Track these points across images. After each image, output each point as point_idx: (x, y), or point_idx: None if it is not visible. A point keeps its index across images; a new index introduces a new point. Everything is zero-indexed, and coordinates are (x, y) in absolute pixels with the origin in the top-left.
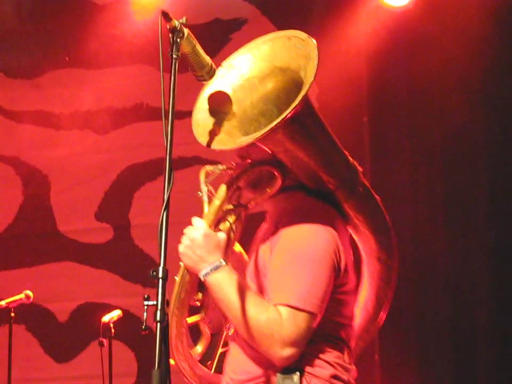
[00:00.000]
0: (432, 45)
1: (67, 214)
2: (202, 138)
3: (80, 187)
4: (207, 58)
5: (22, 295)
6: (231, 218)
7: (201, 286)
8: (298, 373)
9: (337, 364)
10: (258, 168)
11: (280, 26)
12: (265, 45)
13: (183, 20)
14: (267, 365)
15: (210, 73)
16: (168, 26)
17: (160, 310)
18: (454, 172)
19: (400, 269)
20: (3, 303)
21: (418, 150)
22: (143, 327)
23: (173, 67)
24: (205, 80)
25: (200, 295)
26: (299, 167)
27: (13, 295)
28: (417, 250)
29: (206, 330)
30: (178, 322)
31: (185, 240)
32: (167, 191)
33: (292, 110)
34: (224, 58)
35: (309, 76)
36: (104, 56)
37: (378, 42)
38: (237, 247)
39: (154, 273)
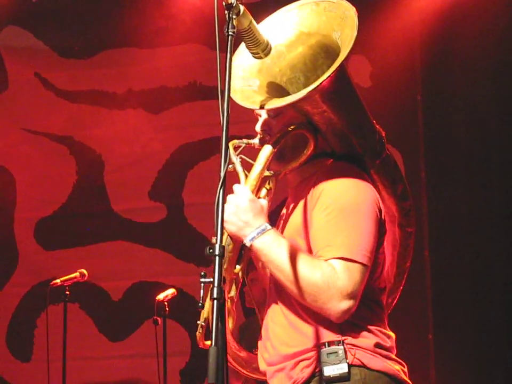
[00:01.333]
0: (487, 24)
1: (121, 193)
2: (244, 102)
3: (133, 166)
4: (263, 36)
5: (76, 274)
6: (268, 185)
7: (239, 258)
8: (342, 347)
9: (379, 330)
10: (295, 132)
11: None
12: (290, 13)
13: None
14: (311, 339)
15: (266, 51)
16: (224, 3)
17: (217, 287)
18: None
19: (456, 264)
20: (58, 281)
21: (473, 127)
22: (200, 304)
23: (229, 44)
24: (261, 57)
25: (238, 268)
26: (331, 129)
27: (68, 274)
28: (475, 244)
29: (233, 308)
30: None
31: (230, 207)
32: (224, 168)
33: (336, 68)
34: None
35: (348, 35)
36: (157, 35)
37: (432, 20)
38: None
39: (211, 250)
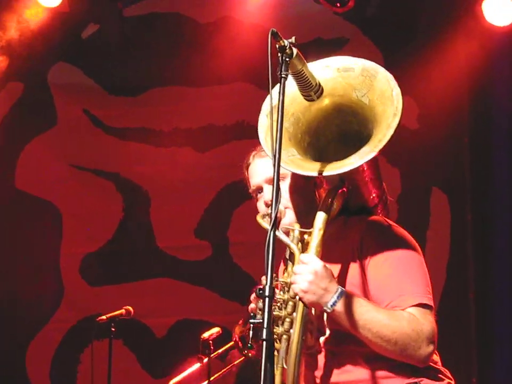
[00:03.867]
0: None
1: (166, 231)
2: (306, 171)
3: (179, 204)
4: (315, 78)
5: (122, 310)
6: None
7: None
8: None
9: (444, 371)
10: (340, 191)
11: (381, 47)
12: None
13: (292, 39)
14: None
15: (318, 93)
16: (277, 46)
17: (266, 328)
18: None
19: (501, 307)
20: (104, 317)
21: None
22: (249, 345)
23: (281, 86)
24: (313, 99)
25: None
26: (354, 187)
27: (112, 310)
28: None
29: None
30: (301, 364)
31: (306, 277)
32: (275, 209)
33: (384, 143)
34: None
35: (384, 90)
36: (206, 74)
37: (481, 62)
38: None
39: (261, 291)
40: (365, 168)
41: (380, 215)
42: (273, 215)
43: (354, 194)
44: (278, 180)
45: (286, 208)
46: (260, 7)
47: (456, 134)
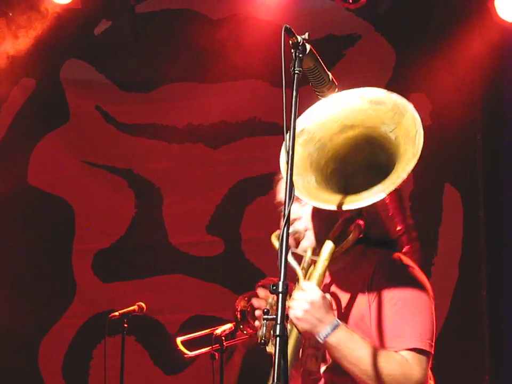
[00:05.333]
0: None
1: (179, 227)
2: (319, 203)
3: (192, 200)
4: (328, 74)
5: (135, 306)
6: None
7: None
8: None
9: None
10: (350, 224)
11: (394, 43)
12: (334, 105)
13: (306, 35)
14: None
15: (331, 89)
16: (290, 42)
17: (280, 324)
18: None
19: None
20: (117, 313)
21: None
22: (262, 341)
23: (295, 82)
24: (325, 96)
25: None
26: (370, 217)
27: (125, 306)
28: None
29: None
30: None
31: (301, 304)
32: (288, 206)
33: (396, 186)
34: (338, 75)
35: (410, 129)
36: (218, 70)
37: (493, 58)
38: None
39: (274, 287)
40: (387, 201)
41: (404, 248)
42: (286, 211)
43: (376, 225)
44: (292, 176)
45: (306, 230)
46: (272, 3)
47: (469, 131)
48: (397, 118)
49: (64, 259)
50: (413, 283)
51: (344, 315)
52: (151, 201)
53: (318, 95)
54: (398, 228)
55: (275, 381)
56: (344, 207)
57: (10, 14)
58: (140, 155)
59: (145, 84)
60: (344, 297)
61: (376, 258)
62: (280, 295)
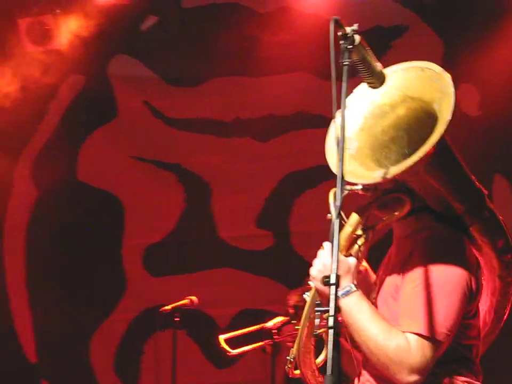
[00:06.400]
0: None
1: (228, 221)
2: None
3: (240, 194)
4: (378, 65)
5: (186, 300)
6: (360, 241)
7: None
8: None
9: (467, 382)
10: (390, 196)
11: (441, 33)
12: (397, 74)
13: (355, 26)
14: None
15: (381, 80)
16: (339, 34)
17: (333, 316)
18: None
19: None
20: (168, 307)
21: None
22: (315, 333)
23: (344, 74)
24: (376, 87)
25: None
26: (428, 193)
27: (175, 301)
28: None
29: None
30: (307, 339)
31: (317, 264)
32: (340, 197)
33: (432, 145)
34: (385, 66)
35: (445, 112)
36: (265, 64)
37: None
38: (363, 264)
39: (327, 279)
40: (424, 178)
41: (471, 227)
42: (338, 203)
43: (435, 200)
44: (342, 167)
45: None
46: None
47: None
48: (442, 98)
49: (114, 254)
50: (443, 269)
51: (384, 284)
52: (200, 195)
53: (370, 86)
54: (458, 206)
55: (329, 373)
56: (350, 179)
57: (58, 11)
58: (188, 149)
59: (192, 78)
60: (391, 266)
61: (426, 232)
62: (333, 287)
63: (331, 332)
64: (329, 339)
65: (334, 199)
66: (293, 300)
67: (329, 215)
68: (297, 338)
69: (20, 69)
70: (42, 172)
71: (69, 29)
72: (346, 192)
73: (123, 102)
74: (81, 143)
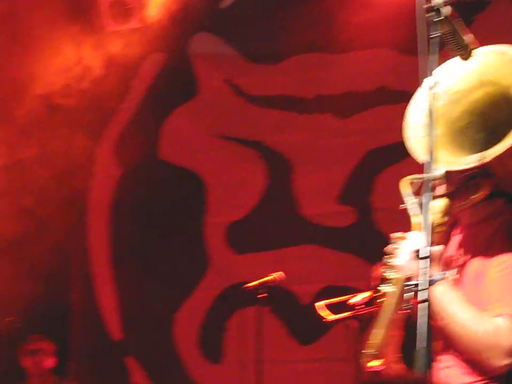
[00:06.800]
0: None
1: (310, 198)
2: (422, 156)
3: (322, 171)
4: (467, 37)
5: (270, 277)
6: (439, 228)
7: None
8: None
9: None
10: (473, 181)
11: None
12: (477, 58)
13: None
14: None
15: (469, 50)
16: (424, 7)
17: (424, 290)
18: None
19: None
20: (252, 284)
21: None
22: (404, 306)
23: (433, 47)
24: (465, 59)
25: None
26: (508, 177)
27: (257, 277)
28: None
29: None
30: (390, 331)
31: (405, 253)
32: (430, 172)
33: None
34: None
35: None
36: (346, 40)
37: None
38: None
39: (417, 253)
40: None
41: None
42: (427, 176)
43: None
44: (433, 144)
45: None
46: None
47: None
48: None
49: (196, 232)
50: None
51: (464, 271)
52: (281, 172)
53: (461, 58)
54: None
55: (420, 346)
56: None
57: None
58: (269, 127)
59: (274, 55)
60: (469, 252)
61: (505, 216)
62: (425, 260)
63: (423, 305)
64: (420, 313)
65: (408, 188)
66: (377, 272)
67: (402, 205)
68: (380, 324)
69: (102, 48)
70: (125, 150)
71: (150, 8)
72: (423, 179)
73: (204, 80)
74: (162, 121)
